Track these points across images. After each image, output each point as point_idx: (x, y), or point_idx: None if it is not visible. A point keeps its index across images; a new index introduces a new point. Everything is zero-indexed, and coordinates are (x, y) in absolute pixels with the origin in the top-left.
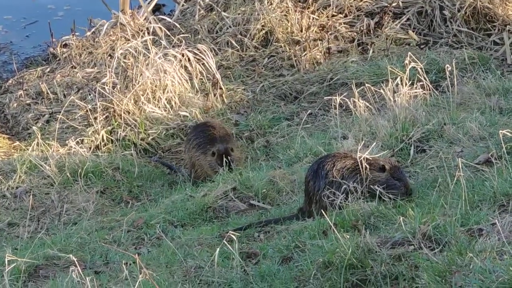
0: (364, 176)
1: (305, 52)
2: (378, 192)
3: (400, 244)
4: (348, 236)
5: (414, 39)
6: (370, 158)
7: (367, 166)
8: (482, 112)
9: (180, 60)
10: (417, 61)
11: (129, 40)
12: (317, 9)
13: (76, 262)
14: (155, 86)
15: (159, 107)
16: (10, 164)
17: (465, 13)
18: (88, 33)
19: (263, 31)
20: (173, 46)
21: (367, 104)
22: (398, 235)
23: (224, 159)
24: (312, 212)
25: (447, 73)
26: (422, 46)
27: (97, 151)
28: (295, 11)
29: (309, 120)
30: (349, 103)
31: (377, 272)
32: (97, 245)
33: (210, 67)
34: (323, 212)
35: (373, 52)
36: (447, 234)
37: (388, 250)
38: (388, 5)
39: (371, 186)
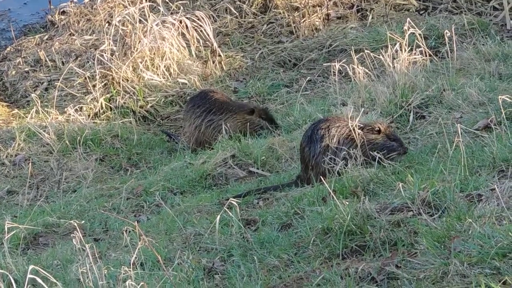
0: (359, 142)
1: (304, 19)
2: (377, 157)
3: (399, 210)
4: (347, 203)
5: (414, 5)
6: (361, 124)
7: (360, 131)
8: (482, 77)
9: (178, 27)
10: (416, 27)
11: (127, 7)
12: None
13: (78, 228)
14: (154, 54)
15: (157, 75)
16: (9, 131)
17: None
18: (86, 0)
19: None
20: (171, 13)
21: (366, 70)
22: (397, 201)
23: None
24: (310, 178)
25: (447, 39)
26: (421, 12)
27: (96, 118)
28: None
29: (308, 87)
30: (348, 69)
31: (376, 238)
32: (96, 213)
33: (208, 35)
34: (322, 178)
35: (372, 18)
36: (446, 199)
37: (387, 216)
38: None
39: (370, 151)
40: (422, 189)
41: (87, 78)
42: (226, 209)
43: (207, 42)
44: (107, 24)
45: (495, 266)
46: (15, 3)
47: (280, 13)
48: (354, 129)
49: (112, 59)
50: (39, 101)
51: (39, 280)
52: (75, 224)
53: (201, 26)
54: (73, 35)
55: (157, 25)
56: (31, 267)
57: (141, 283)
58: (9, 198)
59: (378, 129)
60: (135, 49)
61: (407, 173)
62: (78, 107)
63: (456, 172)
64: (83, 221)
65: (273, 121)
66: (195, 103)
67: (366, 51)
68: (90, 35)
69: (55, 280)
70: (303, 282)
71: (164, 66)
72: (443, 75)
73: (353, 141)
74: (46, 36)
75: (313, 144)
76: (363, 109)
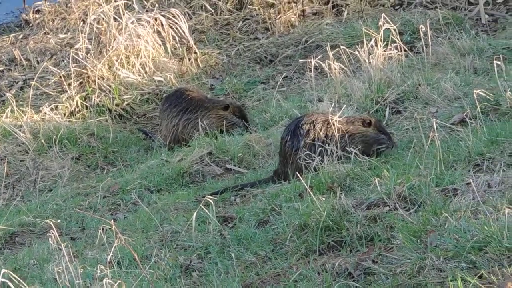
0: (337, 135)
1: (279, 15)
2: (353, 153)
3: (376, 205)
4: (323, 198)
5: (389, 0)
6: (352, 117)
7: (342, 124)
8: (457, 72)
9: (153, 25)
10: (392, 22)
11: (101, 5)
12: None
13: (54, 227)
14: (129, 51)
15: (133, 72)
16: None
17: None
18: None
19: None
20: (146, 11)
21: (342, 66)
22: (374, 196)
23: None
24: (287, 173)
25: (422, 34)
26: (396, 7)
27: (72, 117)
28: None
29: (284, 83)
30: (324, 65)
31: (352, 233)
32: (72, 212)
33: (183, 32)
34: (299, 174)
35: (347, 14)
36: (422, 194)
37: (364, 212)
38: None
39: (361, 143)
40: (398, 184)
41: (62, 77)
42: (203, 207)
43: (182, 40)
44: (82, 23)
45: (471, 260)
46: None
47: (255, 10)
48: (334, 123)
49: (87, 58)
50: (14, 100)
51: (10, 285)
52: (51, 223)
53: (176, 23)
54: (48, 34)
55: (132, 23)
56: (3, 271)
57: (118, 282)
58: None
59: (368, 121)
60: (110, 47)
61: (383, 168)
62: (54, 106)
63: (431, 166)
64: (59, 220)
65: (246, 119)
66: (171, 102)
67: (341, 47)
68: (65, 33)
69: (26, 286)
70: (280, 278)
71: (140, 64)
72: (419, 70)
73: (342, 135)
74: (21, 35)
75: (296, 138)
76: (345, 105)
